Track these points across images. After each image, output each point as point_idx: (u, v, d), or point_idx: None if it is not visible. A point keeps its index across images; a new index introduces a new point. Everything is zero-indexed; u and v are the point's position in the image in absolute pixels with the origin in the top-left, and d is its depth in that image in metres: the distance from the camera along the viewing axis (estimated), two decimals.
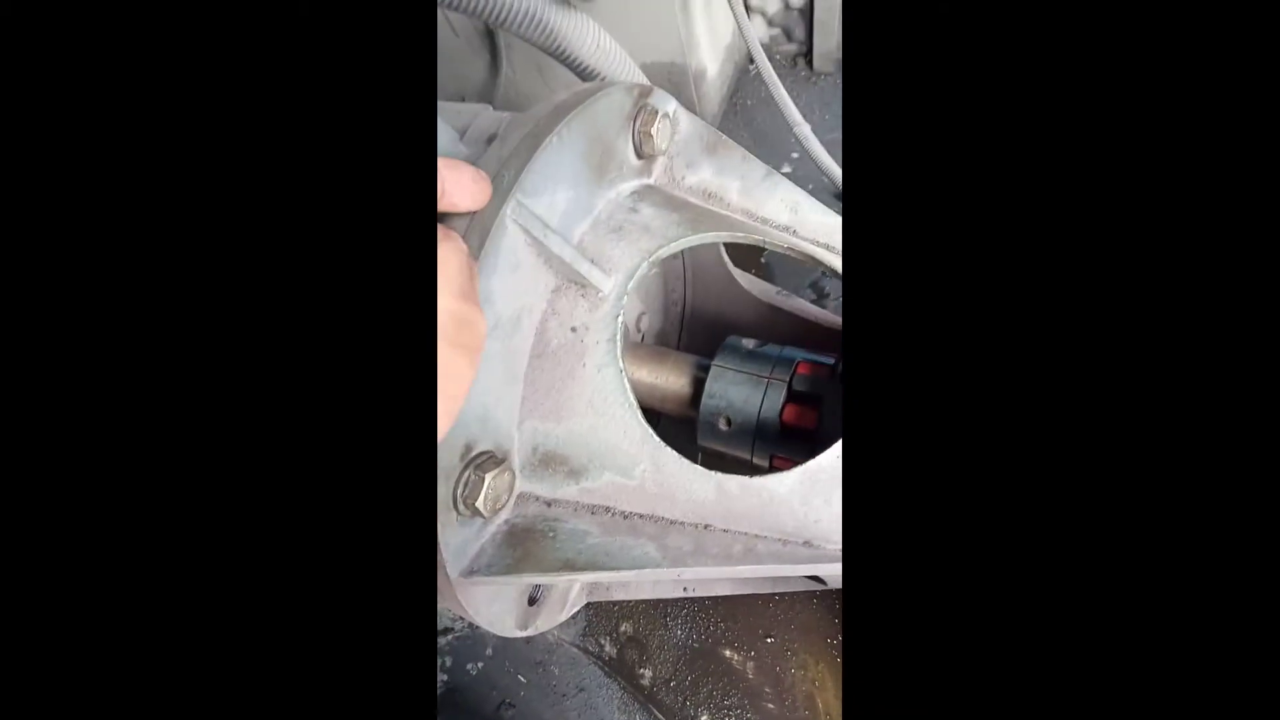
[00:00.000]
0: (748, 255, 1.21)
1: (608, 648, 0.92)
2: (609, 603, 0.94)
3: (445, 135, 0.62)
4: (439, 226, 0.40)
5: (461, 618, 1.02)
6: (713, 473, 0.51)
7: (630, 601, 0.94)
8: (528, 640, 0.93)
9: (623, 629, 0.93)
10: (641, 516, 0.53)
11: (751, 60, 1.48)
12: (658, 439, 0.51)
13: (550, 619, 0.67)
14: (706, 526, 0.52)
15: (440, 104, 0.62)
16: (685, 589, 0.70)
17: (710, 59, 1.31)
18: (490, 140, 0.68)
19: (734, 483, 0.51)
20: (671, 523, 0.52)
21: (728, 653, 0.88)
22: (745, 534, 0.51)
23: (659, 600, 0.93)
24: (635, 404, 0.51)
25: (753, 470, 0.64)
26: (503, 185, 0.47)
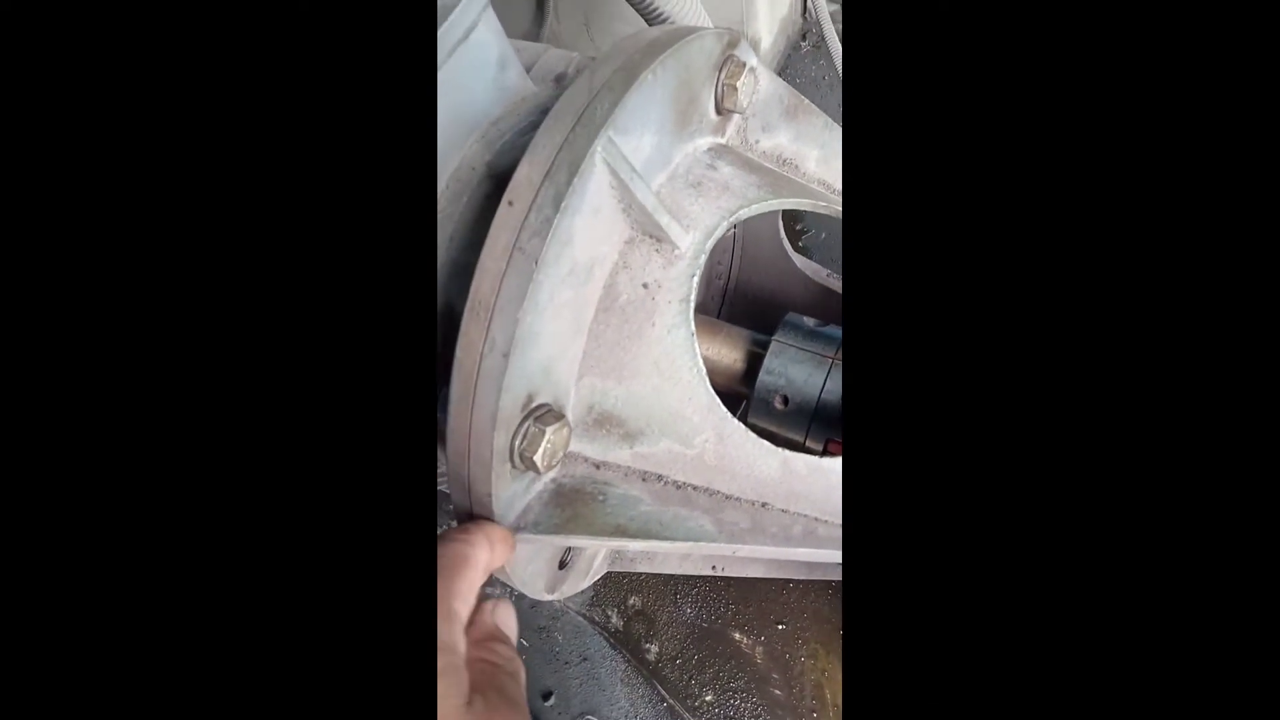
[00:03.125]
0: (786, 235, 1.18)
1: (614, 619, 0.90)
2: (618, 574, 0.92)
3: (513, 71, 0.58)
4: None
5: None
6: (780, 450, 0.48)
7: (640, 575, 0.92)
8: (532, 604, 0.91)
9: (631, 602, 0.91)
10: (695, 488, 0.50)
11: (804, 37, 1.43)
12: (724, 409, 0.49)
13: (574, 585, 0.65)
14: (764, 505, 0.49)
15: (509, 41, 0.58)
16: (714, 567, 0.68)
17: (766, 30, 1.26)
18: (559, 79, 0.65)
19: (801, 462, 0.48)
20: (727, 497, 0.50)
21: (737, 635, 0.87)
22: (805, 516, 0.49)
23: (669, 576, 0.92)
24: (704, 370, 0.49)
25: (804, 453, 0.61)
26: (595, 118, 0.43)
